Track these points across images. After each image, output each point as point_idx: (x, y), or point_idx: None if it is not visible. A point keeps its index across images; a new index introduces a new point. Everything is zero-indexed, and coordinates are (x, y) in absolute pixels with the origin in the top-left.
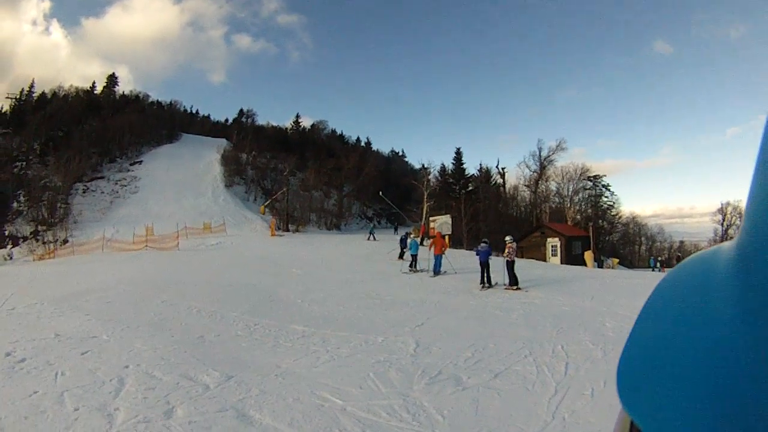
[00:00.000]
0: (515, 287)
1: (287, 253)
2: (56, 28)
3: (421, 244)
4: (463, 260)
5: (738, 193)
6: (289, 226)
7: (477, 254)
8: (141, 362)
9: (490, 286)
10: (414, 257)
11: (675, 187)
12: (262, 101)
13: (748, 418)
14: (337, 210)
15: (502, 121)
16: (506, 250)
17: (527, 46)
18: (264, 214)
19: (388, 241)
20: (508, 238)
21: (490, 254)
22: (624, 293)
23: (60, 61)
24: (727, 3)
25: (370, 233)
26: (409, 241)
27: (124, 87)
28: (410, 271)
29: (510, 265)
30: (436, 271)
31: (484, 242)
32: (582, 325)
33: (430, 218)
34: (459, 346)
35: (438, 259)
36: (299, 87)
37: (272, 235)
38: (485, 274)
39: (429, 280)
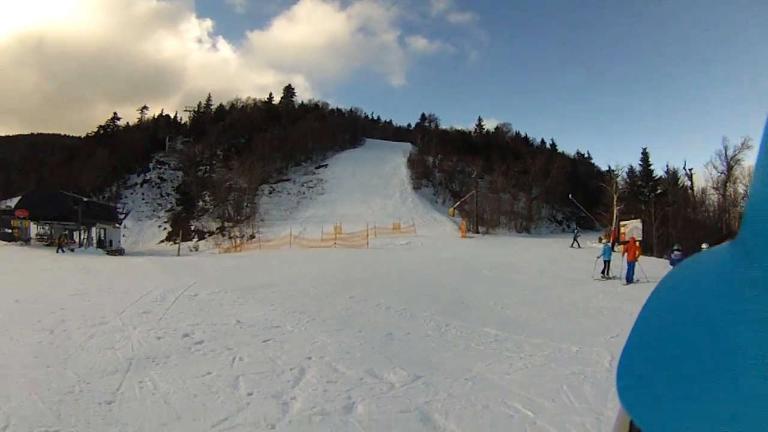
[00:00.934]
0: None
1: (477, 254)
2: (223, 44)
3: (613, 249)
4: (654, 268)
5: None
6: (479, 228)
7: (671, 263)
8: (324, 355)
9: None
10: (607, 263)
11: None
12: (443, 104)
13: (748, 417)
14: (527, 213)
15: (687, 116)
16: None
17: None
18: (453, 215)
19: (590, 248)
20: (704, 245)
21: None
22: None
23: (231, 73)
24: None
25: (574, 239)
26: (602, 246)
27: (301, 95)
28: (602, 277)
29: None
30: (629, 278)
31: (678, 250)
32: None
33: (620, 223)
34: None
35: (631, 266)
36: (479, 87)
37: (462, 236)
38: None
39: (622, 288)
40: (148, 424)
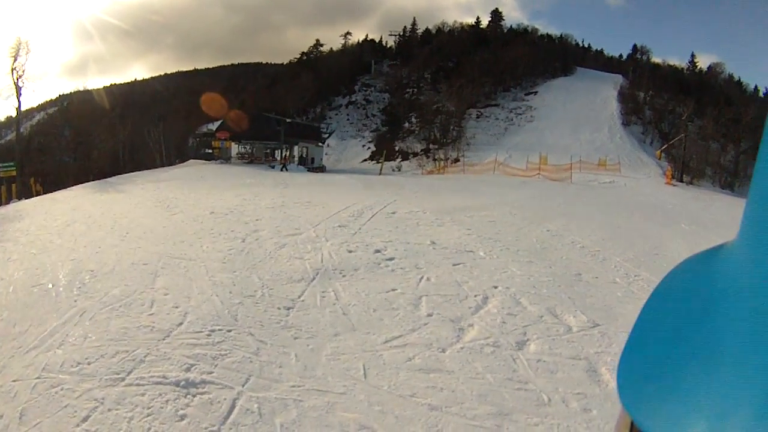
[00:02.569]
0: None
1: (679, 205)
2: None
3: None
4: None
5: None
6: (684, 176)
7: None
8: (511, 286)
9: None
10: None
11: None
12: (657, 33)
13: (748, 417)
14: (734, 167)
15: None
16: None
17: None
18: (660, 159)
19: None
20: None
21: None
22: None
23: None
24: None
25: None
26: None
27: (509, 18)
28: None
29: None
30: None
31: None
32: None
33: None
34: None
35: None
36: (696, 13)
37: (668, 182)
38: None
39: None
40: (322, 331)
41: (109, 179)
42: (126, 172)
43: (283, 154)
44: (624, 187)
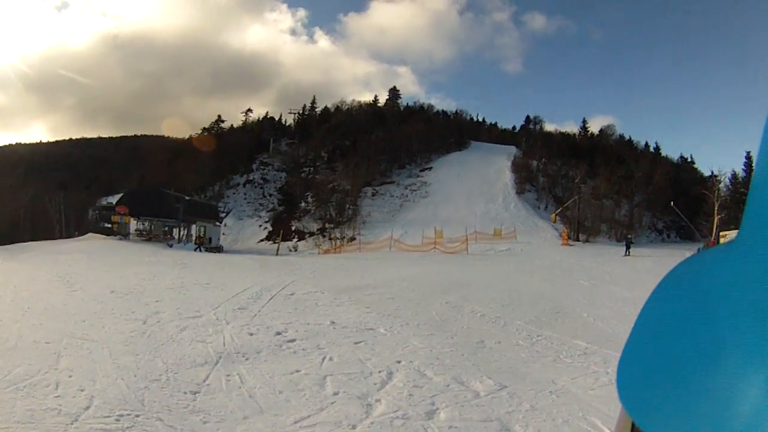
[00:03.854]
0: None
1: (576, 263)
2: (319, 35)
3: None
4: None
5: None
6: (580, 235)
7: None
8: (414, 359)
9: None
10: None
11: None
12: (550, 101)
13: (748, 417)
14: (628, 221)
15: None
16: None
17: None
18: (555, 222)
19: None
20: None
21: None
22: None
23: (329, 65)
24: None
25: (627, 247)
26: None
27: (407, 90)
28: None
29: None
30: None
31: None
32: None
33: (720, 233)
34: None
35: None
36: (593, 77)
37: (563, 244)
38: None
39: None
40: (231, 415)
41: (8, 247)
42: (25, 240)
43: (199, 234)
44: (521, 252)
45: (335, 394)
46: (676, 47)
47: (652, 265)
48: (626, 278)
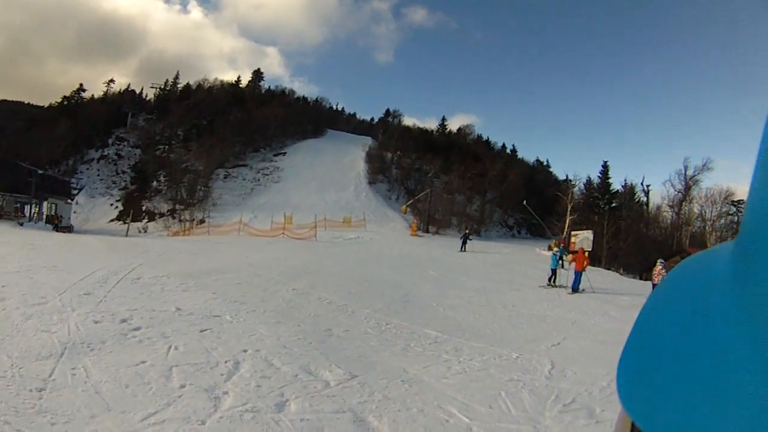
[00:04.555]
0: None
1: (425, 254)
2: (193, 5)
3: (561, 259)
4: (601, 279)
5: None
6: (430, 227)
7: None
8: (261, 348)
9: None
10: (554, 272)
11: None
12: (416, 97)
13: (748, 417)
14: (479, 216)
15: (651, 135)
16: (658, 276)
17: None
18: (405, 213)
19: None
20: (659, 261)
21: None
22: None
23: (196, 38)
24: None
25: (464, 242)
26: (550, 254)
27: (273, 72)
28: (548, 285)
29: None
30: (575, 288)
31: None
32: None
33: (572, 233)
34: (595, 373)
35: (578, 276)
36: (454, 81)
37: (412, 234)
38: None
39: (567, 297)
40: (78, 414)
41: None
42: None
43: (30, 211)
44: (370, 241)
45: (182, 387)
46: (547, 57)
47: (501, 258)
48: (475, 269)
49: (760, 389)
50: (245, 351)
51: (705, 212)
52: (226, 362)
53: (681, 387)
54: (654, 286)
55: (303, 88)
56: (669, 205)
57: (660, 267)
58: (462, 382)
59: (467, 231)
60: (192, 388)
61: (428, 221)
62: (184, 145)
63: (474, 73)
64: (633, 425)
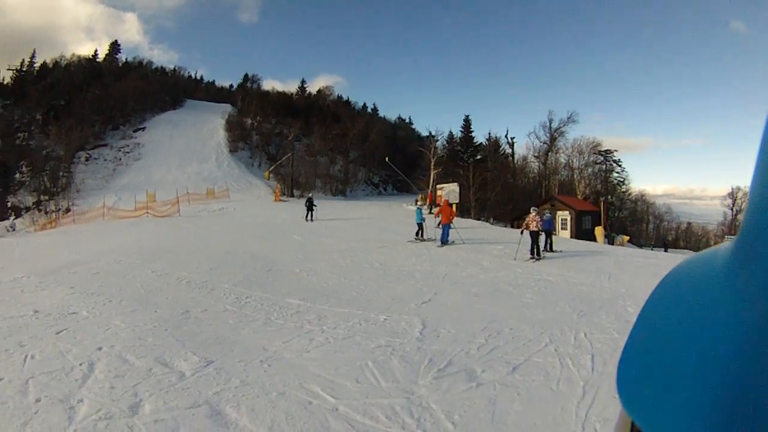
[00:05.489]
0: (536, 258)
1: (290, 219)
2: None
3: (429, 212)
4: (472, 230)
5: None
6: (294, 191)
7: (543, 224)
8: (116, 343)
9: (539, 257)
10: (420, 225)
11: (689, 168)
12: (271, 62)
13: (748, 417)
14: (343, 176)
15: (514, 91)
16: (532, 222)
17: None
18: (269, 179)
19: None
20: (533, 208)
21: (552, 224)
22: (641, 274)
23: (51, 5)
24: None
25: (309, 209)
26: (414, 208)
27: (131, 40)
28: (416, 240)
29: (535, 236)
30: (444, 241)
31: (548, 213)
32: (603, 309)
33: (437, 186)
34: (471, 330)
35: (446, 228)
36: (306, 47)
37: (276, 200)
38: (547, 242)
39: (436, 251)
40: None
41: None
42: None
43: None
44: (234, 211)
45: (38, 401)
46: (406, 13)
47: (367, 215)
48: (341, 230)
49: (760, 389)
50: (100, 349)
51: (572, 162)
52: (81, 365)
53: (681, 387)
54: (531, 232)
55: (163, 56)
56: (535, 156)
57: (533, 213)
58: (326, 355)
59: (310, 195)
60: (47, 401)
61: (292, 185)
62: (43, 129)
63: (337, 33)
64: (633, 425)
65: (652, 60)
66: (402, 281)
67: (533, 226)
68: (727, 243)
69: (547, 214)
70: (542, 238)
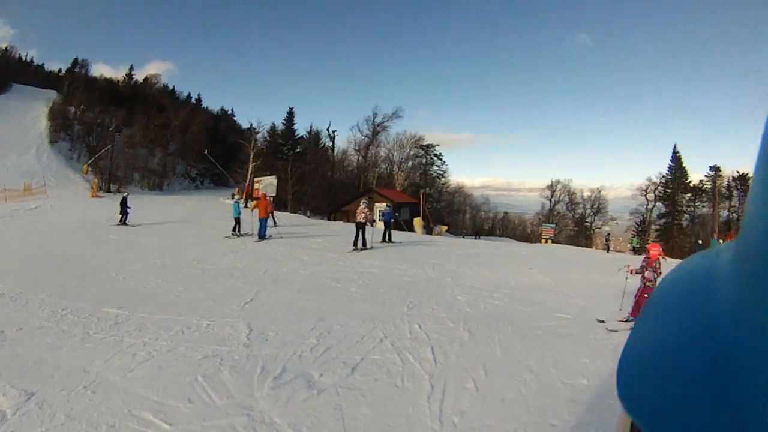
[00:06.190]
0: (364, 248)
1: (106, 217)
2: None
3: (246, 206)
4: (290, 225)
5: (566, 172)
6: (111, 186)
7: (382, 216)
8: None
9: (363, 248)
10: (237, 220)
11: (508, 163)
12: (99, 46)
13: (749, 418)
14: (161, 169)
15: (340, 85)
16: (360, 214)
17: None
18: (87, 173)
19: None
20: (363, 201)
21: (392, 217)
22: (464, 262)
23: None
24: None
25: (123, 212)
26: (231, 202)
27: None
28: (233, 235)
29: (362, 227)
30: (261, 235)
31: (387, 206)
32: (432, 299)
33: (255, 179)
34: (300, 330)
35: (263, 222)
36: (138, 28)
37: (92, 196)
38: (385, 234)
39: (254, 246)
40: None
41: None
42: None
43: None
44: (50, 209)
45: None
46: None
47: (185, 210)
48: (157, 227)
49: (761, 390)
50: None
51: (393, 155)
52: None
53: (681, 387)
54: (357, 223)
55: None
56: (356, 149)
57: (363, 206)
58: (151, 373)
59: (125, 194)
60: None
61: (110, 179)
62: None
63: (168, 14)
64: (633, 425)
65: (478, 60)
66: (221, 280)
67: (361, 218)
68: (729, 242)
69: (387, 207)
70: (369, 228)
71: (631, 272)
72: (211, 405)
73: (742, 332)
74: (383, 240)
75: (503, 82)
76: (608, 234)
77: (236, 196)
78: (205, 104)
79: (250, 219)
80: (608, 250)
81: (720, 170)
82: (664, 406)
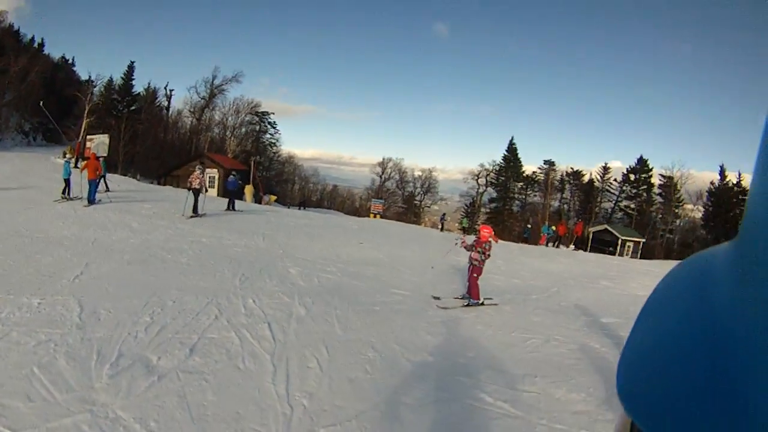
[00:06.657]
0: (199, 215)
1: None
2: None
3: (76, 166)
4: (120, 190)
5: (398, 151)
6: None
7: (227, 185)
8: None
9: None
10: (67, 182)
11: (341, 135)
12: None
13: (750, 418)
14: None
15: (182, 40)
16: (195, 180)
17: None
18: None
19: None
20: (198, 166)
21: (236, 185)
22: (294, 234)
23: None
24: None
25: None
26: (63, 162)
27: None
28: (62, 198)
29: (197, 193)
30: (91, 199)
31: (233, 174)
32: (264, 272)
33: (88, 137)
34: (132, 307)
35: (92, 184)
36: None
37: None
38: (229, 204)
39: (83, 211)
40: None
41: None
42: None
43: None
44: None
45: None
46: None
47: (14, 169)
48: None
49: (761, 389)
50: None
51: (227, 120)
52: None
53: (681, 387)
54: (193, 190)
55: None
56: (191, 111)
57: (198, 172)
58: None
59: None
60: None
61: None
62: None
63: None
64: (633, 425)
65: (324, 34)
66: (50, 251)
67: (196, 184)
68: (728, 242)
69: (233, 176)
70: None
71: (464, 245)
72: (52, 402)
73: (742, 332)
74: (227, 209)
75: (351, 60)
76: (444, 214)
77: (68, 155)
78: (47, 50)
79: (80, 180)
80: (442, 228)
81: (554, 164)
82: (664, 406)
